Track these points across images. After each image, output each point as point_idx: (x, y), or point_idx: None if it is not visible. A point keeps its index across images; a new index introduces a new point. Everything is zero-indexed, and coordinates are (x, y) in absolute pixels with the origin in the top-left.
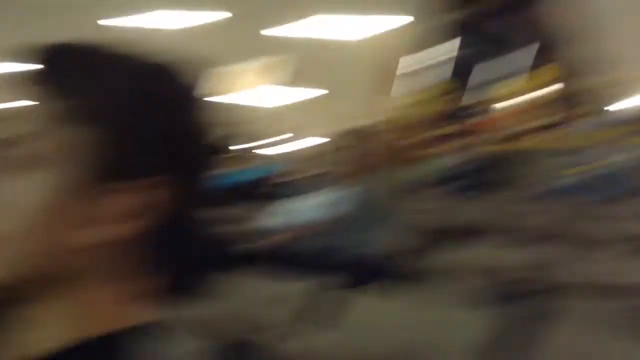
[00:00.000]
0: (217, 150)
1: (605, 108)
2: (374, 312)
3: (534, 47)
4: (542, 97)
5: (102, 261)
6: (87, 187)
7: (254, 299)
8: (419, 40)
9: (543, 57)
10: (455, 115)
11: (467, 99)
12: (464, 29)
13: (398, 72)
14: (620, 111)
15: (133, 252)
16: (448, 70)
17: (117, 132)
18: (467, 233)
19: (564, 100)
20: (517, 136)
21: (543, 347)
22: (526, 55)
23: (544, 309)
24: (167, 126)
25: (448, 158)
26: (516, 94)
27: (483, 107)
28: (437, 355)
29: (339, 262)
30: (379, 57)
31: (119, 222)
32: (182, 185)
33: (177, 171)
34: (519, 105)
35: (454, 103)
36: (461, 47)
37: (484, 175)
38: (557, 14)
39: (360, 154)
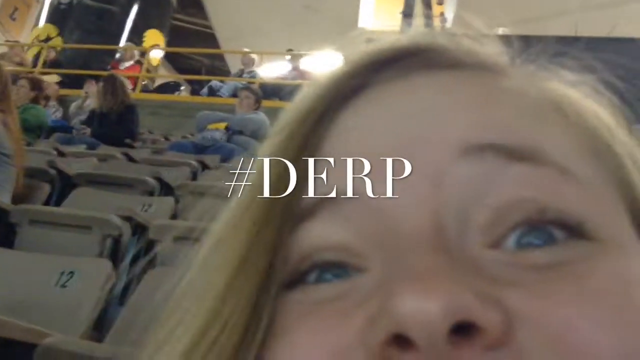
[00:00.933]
0: None
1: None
2: None
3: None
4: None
5: None
6: None
7: None
8: None
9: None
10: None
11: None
12: None
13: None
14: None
15: None
16: (50, 14)
17: None
18: (93, 181)
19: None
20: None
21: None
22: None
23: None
24: None
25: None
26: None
27: (128, 55)
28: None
29: None
30: None
31: None
32: None
33: None
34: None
35: (54, 49)
36: None
37: (110, 124)
38: None
39: None
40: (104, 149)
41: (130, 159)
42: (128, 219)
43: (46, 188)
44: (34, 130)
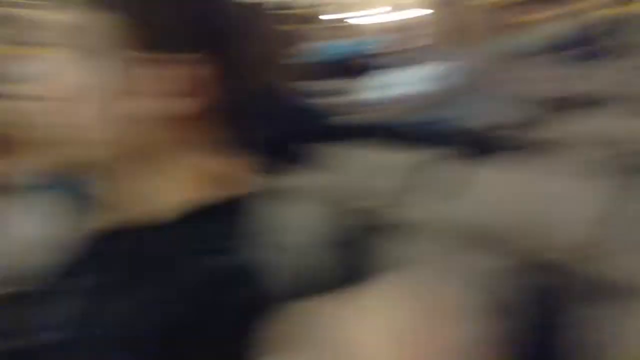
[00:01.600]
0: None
1: None
2: (489, 183)
3: None
4: None
5: (179, 134)
6: (126, 62)
7: (364, 169)
8: None
9: None
10: None
11: None
12: None
13: None
14: None
15: (208, 125)
16: None
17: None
18: (584, 103)
19: None
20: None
21: None
22: None
23: None
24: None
25: (559, 23)
26: None
27: None
28: (556, 227)
29: (445, 135)
30: None
31: (173, 96)
32: (230, 60)
33: (218, 45)
34: None
35: None
36: None
37: (599, 42)
38: None
39: (461, 24)
40: None
41: None
42: None
43: None
44: None
